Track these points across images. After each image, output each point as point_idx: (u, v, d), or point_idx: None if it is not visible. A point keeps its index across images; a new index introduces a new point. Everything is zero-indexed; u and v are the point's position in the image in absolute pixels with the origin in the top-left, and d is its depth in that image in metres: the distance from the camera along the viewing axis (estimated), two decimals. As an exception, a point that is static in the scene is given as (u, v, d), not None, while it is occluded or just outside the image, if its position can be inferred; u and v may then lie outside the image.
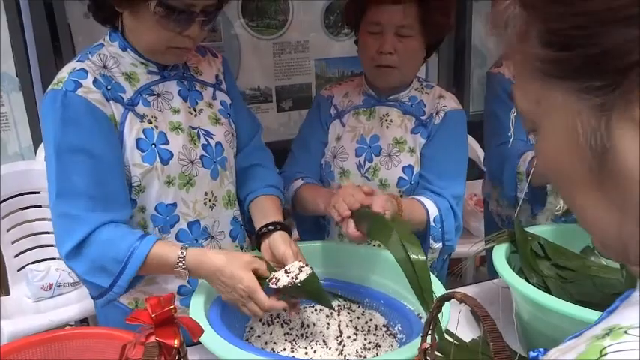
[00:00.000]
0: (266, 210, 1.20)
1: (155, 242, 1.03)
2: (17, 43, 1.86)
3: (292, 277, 1.00)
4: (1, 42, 1.84)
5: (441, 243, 1.26)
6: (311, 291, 1.02)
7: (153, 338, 0.62)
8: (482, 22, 2.45)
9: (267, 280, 1.02)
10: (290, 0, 2.23)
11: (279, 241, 1.10)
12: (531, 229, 1.26)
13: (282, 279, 1.01)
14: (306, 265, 1.04)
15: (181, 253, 1.02)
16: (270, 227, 1.14)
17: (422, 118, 1.33)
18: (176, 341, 0.62)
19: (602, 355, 0.35)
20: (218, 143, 1.18)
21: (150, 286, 1.15)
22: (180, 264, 1.01)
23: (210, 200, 1.18)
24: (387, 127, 1.34)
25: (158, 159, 1.08)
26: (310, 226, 1.46)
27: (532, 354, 0.53)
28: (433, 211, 1.23)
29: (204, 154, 1.15)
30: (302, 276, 1.00)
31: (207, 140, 1.16)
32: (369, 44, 1.26)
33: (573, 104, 0.40)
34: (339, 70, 2.36)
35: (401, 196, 1.31)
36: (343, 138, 1.36)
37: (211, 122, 1.18)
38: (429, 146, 1.32)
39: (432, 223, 1.23)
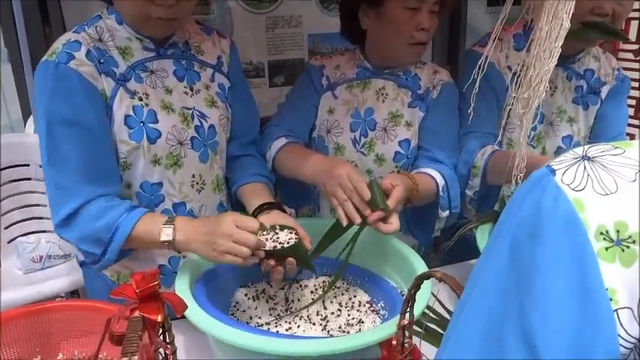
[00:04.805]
0: (259, 193, 1.20)
1: (143, 215, 1.03)
2: (5, 13, 1.83)
3: (279, 242, 1.00)
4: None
5: (447, 211, 1.26)
6: (296, 256, 1.02)
7: (137, 313, 0.63)
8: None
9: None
10: (284, -27, 2.19)
11: (278, 216, 1.10)
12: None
13: (269, 243, 1.01)
14: (295, 236, 1.03)
15: (169, 217, 1.02)
16: (266, 207, 1.14)
17: (418, 92, 1.34)
18: (159, 316, 0.63)
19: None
20: (211, 126, 1.17)
21: (132, 262, 1.15)
22: (167, 224, 1.00)
23: (197, 183, 1.17)
24: (383, 102, 1.34)
25: (145, 137, 1.08)
26: (293, 189, 1.39)
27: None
28: (440, 181, 1.25)
29: (196, 135, 1.14)
30: (289, 241, 1.01)
31: (200, 122, 1.15)
32: (405, 20, 1.23)
33: None
34: (333, 46, 2.33)
35: (398, 170, 1.32)
36: (336, 111, 1.36)
37: (207, 104, 1.17)
38: (428, 119, 1.33)
39: (441, 193, 1.24)
